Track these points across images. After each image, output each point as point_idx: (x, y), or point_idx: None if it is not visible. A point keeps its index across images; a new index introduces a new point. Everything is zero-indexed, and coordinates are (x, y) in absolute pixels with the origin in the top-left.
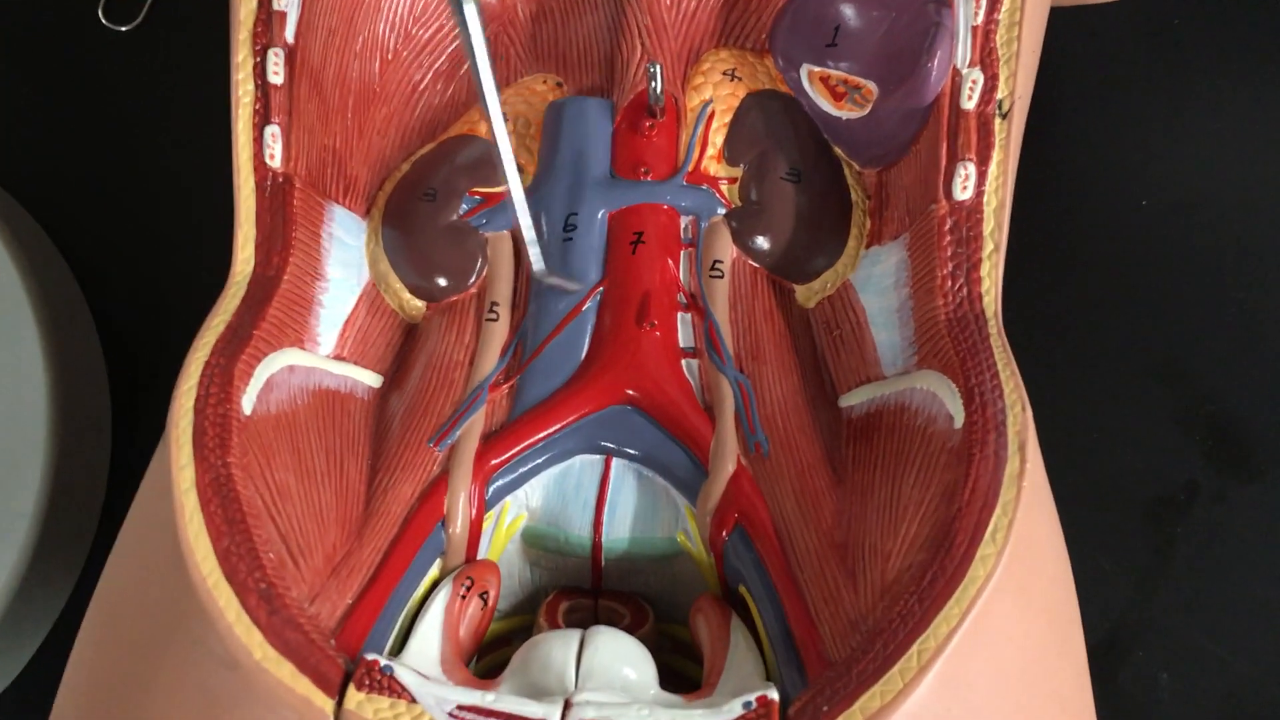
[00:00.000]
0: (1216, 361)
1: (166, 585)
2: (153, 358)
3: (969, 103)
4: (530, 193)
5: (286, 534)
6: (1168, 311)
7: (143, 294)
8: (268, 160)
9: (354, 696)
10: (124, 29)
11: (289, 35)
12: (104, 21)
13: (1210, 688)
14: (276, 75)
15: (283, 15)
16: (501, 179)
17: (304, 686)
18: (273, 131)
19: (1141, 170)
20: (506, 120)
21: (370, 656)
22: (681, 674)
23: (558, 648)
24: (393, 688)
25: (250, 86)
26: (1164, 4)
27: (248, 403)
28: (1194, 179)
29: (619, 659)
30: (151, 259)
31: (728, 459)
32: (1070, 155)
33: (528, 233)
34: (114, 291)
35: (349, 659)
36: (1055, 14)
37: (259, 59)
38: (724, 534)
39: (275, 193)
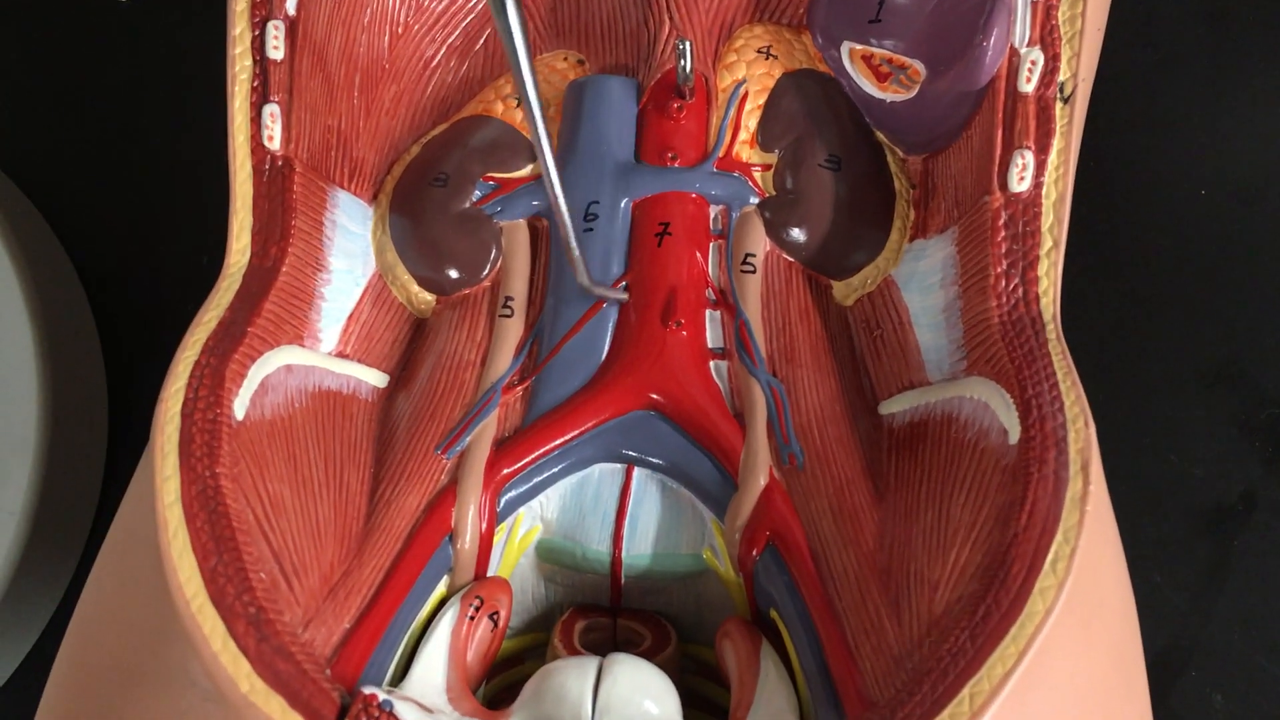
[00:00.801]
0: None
1: (147, 608)
2: (153, 351)
3: (1027, 85)
4: None
5: (280, 552)
6: (1227, 308)
7: (145, 283)
8: (266, 142)
9: None
10: (125, 1)
11: (290, 7)
12: None
13: (1268, 711)
14: (276, 50)
15: None
16: (546, 181)
17: None
18: (271, 111)
19: (1200, 157)
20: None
21: (368, 690)
22: (707, 699)
23: (573, 678)
24: None
25: (248, 62)
26: None
27: (240, 407)
28: (1257, 166)
29: (639, 691)
30: (157, 246)
31: (759, 471)
32: (1124, 142)
33: (570, 242)
34: (114, 280)
35: (345, 691)
36: None
37: (258, 32)
38: (754, 553)
39: (274, 177)
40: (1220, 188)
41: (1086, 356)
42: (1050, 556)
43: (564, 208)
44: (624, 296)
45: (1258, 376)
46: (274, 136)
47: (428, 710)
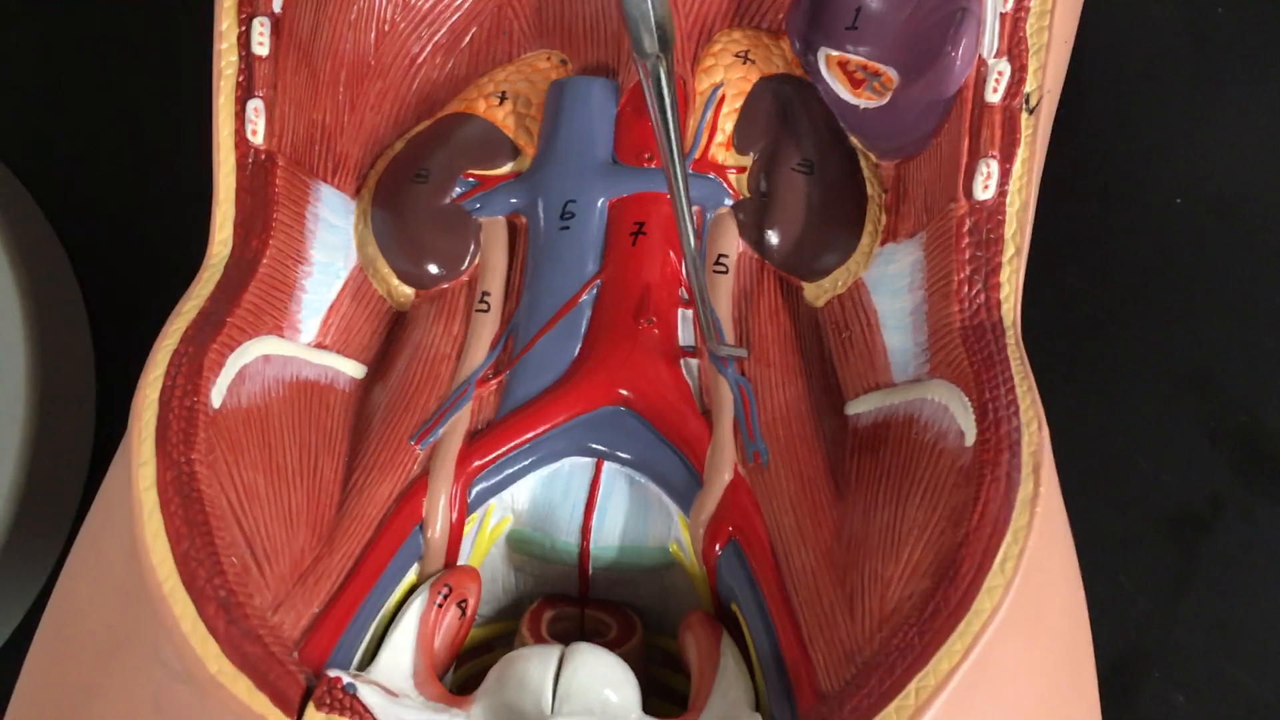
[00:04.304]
0: (1250, 370)
1: (121, 590)
2: (142, 338)
3: (994, 95)
4: (528, 176)
5: (252, 537)
6: (1199, 316)
7: (134, 267)
8: (249, 136)
9: (314, 716)
10: None
11: (276, 4)
12: None
13: (1229, 713)
14: (261, 46)
15: None
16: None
17: (260, 704)
18: (255, 106)
19: (1176, 166)
20: (506, 99)
21: (333, 673)
22: (670, 688)
23: (535, 666)
24: (355, 708)
25: (233, 58)
26: None
27: (217, 395)
28: (1232, 176)
29: (599, 680)
30: (149, 234)
31: (724, 468)
32: (1099, 149)
33: (701, 306)
34: (105, 267)
35: (311, 674)
36: None
37: (244, 28)
38: (717, 548)
39: (256, 171)
40: (1195, 198)
41: (1058, 362)
42: (999, 557)
43: (697, 269)
44: (743, 353)
45: (1227, 384)
46: (258, 131)
47: (392, 694)
